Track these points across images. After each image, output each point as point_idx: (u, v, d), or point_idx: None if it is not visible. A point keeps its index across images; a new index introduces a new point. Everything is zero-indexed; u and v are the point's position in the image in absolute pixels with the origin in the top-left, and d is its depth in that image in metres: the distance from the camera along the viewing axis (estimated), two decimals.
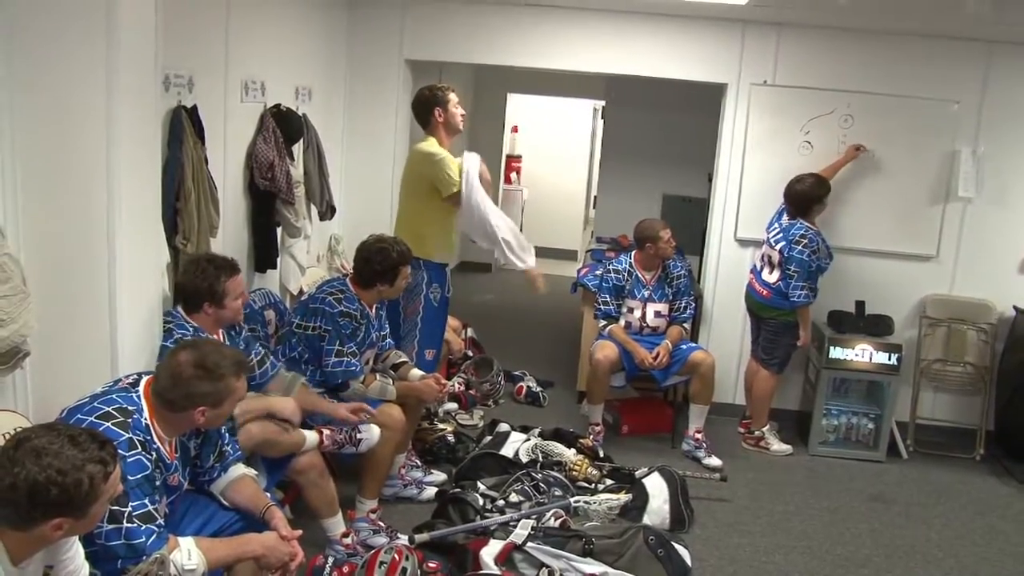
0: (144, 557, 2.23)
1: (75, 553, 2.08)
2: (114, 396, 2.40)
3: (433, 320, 4.36)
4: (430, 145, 4.24)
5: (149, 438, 2.39)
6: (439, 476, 4.44)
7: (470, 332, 6.37)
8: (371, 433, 3.61)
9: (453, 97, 4.30)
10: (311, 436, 3.42)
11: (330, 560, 3.41)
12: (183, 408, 2.45)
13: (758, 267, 5.22)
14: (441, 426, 4.86)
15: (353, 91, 5.70)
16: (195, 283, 3.17)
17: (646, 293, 5.09)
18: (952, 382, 5.52)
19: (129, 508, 2.25)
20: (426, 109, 4.30)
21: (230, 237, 4.08)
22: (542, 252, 11.40)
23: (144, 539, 2.24)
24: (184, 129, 3.50)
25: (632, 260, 5.15)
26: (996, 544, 4.33)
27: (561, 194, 11.48)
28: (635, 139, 7.01)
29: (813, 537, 4.24)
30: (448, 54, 5.82)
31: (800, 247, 4.88)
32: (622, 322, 5.10)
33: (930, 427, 5.54)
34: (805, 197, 4.97)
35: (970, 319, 5.45)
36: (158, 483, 2.41)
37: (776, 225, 5.12)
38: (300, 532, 2.68)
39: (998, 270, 5.45)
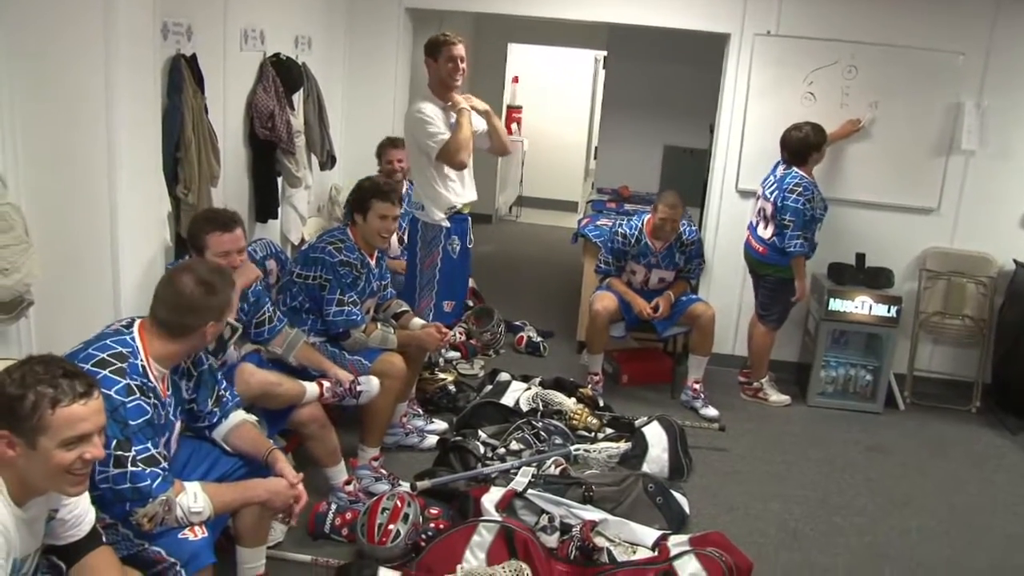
0: (151, 499, 2.27)
1: (79, 497, 2.09)
2: (108, 341, 2.39)
3: (452, 272, 4.32)
4: (416, 102, 4.17)
5: (146, 381, 2.39)
6: (440, 425, 4.47)
7: (471, 282, 6.39)
8: (370, 385, 3.63)
9: (448, 51, 4.07)
10: (311, 388, 3.43)
11: (333, 507, 3.47)
12: (193, 329, 2.48)
13: (754, 223, 5.19)
14: (442, 376, 4.89)
15: (353, 40, 5.64)
16: (189, 233, 3.20)
17: (652, 260, 5.05)
18: (950, 335, 5.54)
19: (133, 452, 2.27)
20: (425, 55, 4.19)
21: (231, 187, 4.08)
22: (543, 203, 11.53)
23: (150, 482, 2.27)
24: (183, 78, 3.48)
25: (644, 226, 5.04)
26: (989, 493, 4.39)
27: (561, 145, 11.41)
28: (637, 90, 6.96)
29: (810, 486, 4.29)
30: (449, 2, 5.75)
31: (795, 195, 4.83)
32: (623, 278, 5.12)
33: (927, 379, 5.58)
34: (804, 144, 4.92)
35: (969, 272, 5.45)
36: (158, 424, 2.42)
37: (771, 177, 5.09)
38: (303, 475, 2.72)
39: (999, 224, 5.43)
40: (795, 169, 4.93)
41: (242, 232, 3.23)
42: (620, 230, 5.10)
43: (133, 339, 2.43)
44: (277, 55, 4.40)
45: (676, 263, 5.09)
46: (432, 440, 4.30)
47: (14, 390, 1.86)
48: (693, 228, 5.18)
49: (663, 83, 6.78)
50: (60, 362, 1.96)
